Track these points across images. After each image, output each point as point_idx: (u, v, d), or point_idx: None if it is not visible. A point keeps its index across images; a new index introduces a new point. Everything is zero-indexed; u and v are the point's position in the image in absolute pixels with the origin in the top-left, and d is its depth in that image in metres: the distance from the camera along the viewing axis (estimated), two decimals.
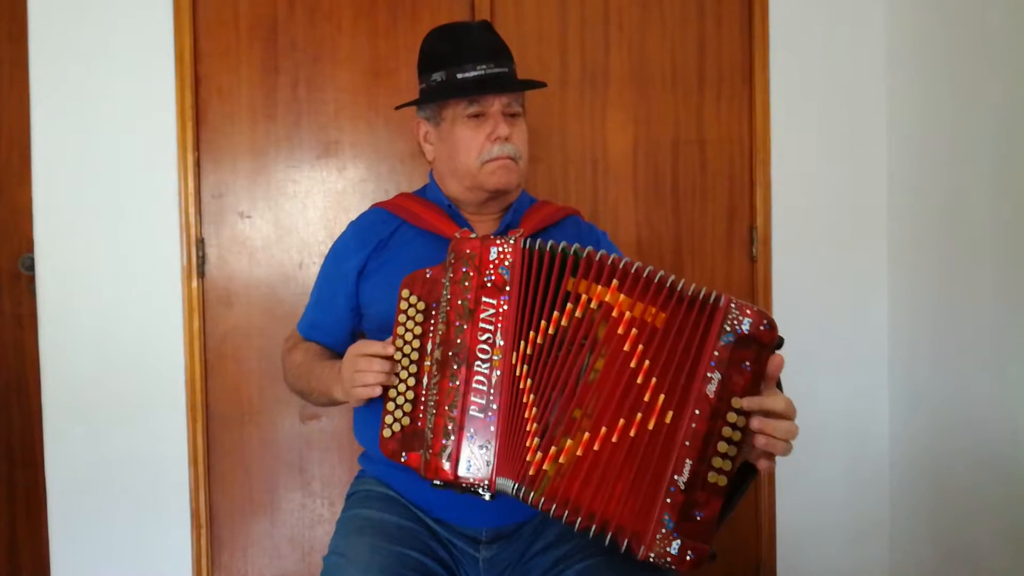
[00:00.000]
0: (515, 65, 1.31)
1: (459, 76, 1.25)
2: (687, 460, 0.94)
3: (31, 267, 1.88)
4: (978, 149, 1.69)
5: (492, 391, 1.02)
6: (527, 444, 1.00)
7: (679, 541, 0.93)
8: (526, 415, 1.00)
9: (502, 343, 1.03)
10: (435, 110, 1.30)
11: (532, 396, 1.01)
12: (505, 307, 1.04)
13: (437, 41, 1.31)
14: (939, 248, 1.83)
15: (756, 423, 0.93)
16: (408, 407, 1.07)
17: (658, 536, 0.94)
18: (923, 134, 1.89)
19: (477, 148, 1.25)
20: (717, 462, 0.94)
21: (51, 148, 1.83)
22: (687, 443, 0.94)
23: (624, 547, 0.96)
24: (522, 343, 1.02)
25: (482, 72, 1.24)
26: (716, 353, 0.95)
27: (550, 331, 1.02)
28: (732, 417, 0.94)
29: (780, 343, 0.95)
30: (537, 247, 1.06)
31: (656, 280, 0.99)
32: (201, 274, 1.88)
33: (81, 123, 1.83)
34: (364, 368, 1.09)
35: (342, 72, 1.90)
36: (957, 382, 1.77)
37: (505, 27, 1.91)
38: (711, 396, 0.94)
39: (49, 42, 1.82)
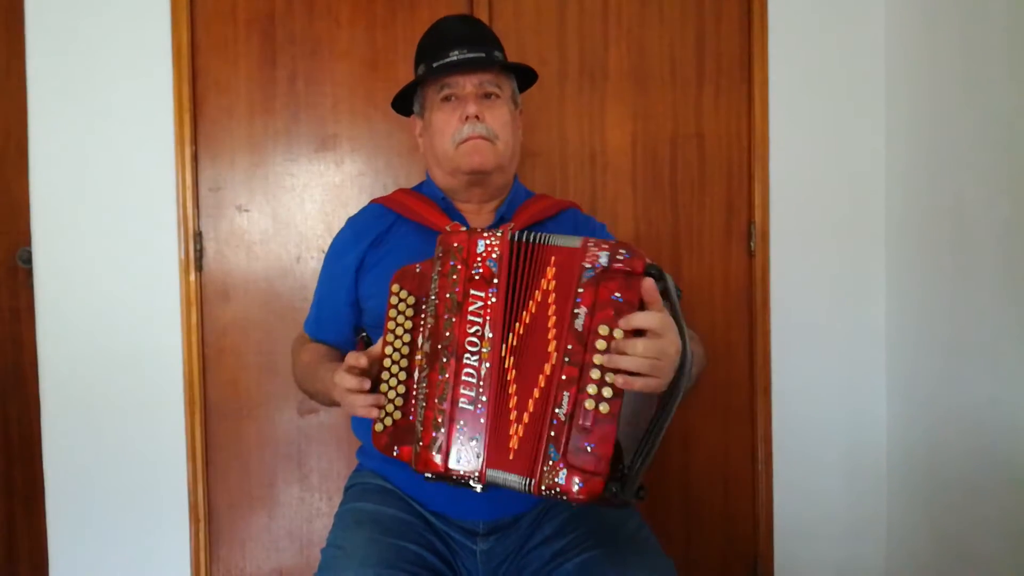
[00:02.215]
0: (502, 52, 1.32)
1: (434, 65, 1.28)
2: (565, 393, 0.97)
3: (28, 260, 1.87)
4: (976, 145, 1.69)
5: (481, 383, 1.03)
6: (509, 432, 1.00)
7: (565, 471, 0.95)
8: (510, 405, 1.01)
9: (491, 335, 1.04)
10: (421, 103, 1.34)
11: (515, 386, 1.02)
12: (493, 299, 1.04)
13: (422, 38, 1.34)
14: (937, 243, 1.83)
15: (613, 344, 0.95)
16: (399, 401, 1.08)
17: (545, 468, 0.96)
18: (921, 129, 1.89)
19: (451, 130, 1.26)
20: (592, 389, 0.96)
21: (49, 141, 1.83)
22: (563, 377, 0.98)
23: (524, 487, 0.98)
24: (510, 335, 1.03)
25: (455, 57, 1.26)
26: (581, 290, 0.99)
27: (528, 320, 1.03)
28: (601, 345, 0.96)
29: (652, 271, 0.98)
30: (524, 239, 1.06)
31: (564, 245, 1.03)
32: (199, 268, 1.87)
33: (79, 116, 1.83)
34: (349, 387, 1.08)
35: (340, 66, 1.90)
36: (954, 377, 1.77)
37: (503, 21, 1.91)
38: (579, 330, 0.98)
39: (47, 34, 1.82)
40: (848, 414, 2.04)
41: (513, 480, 1.00)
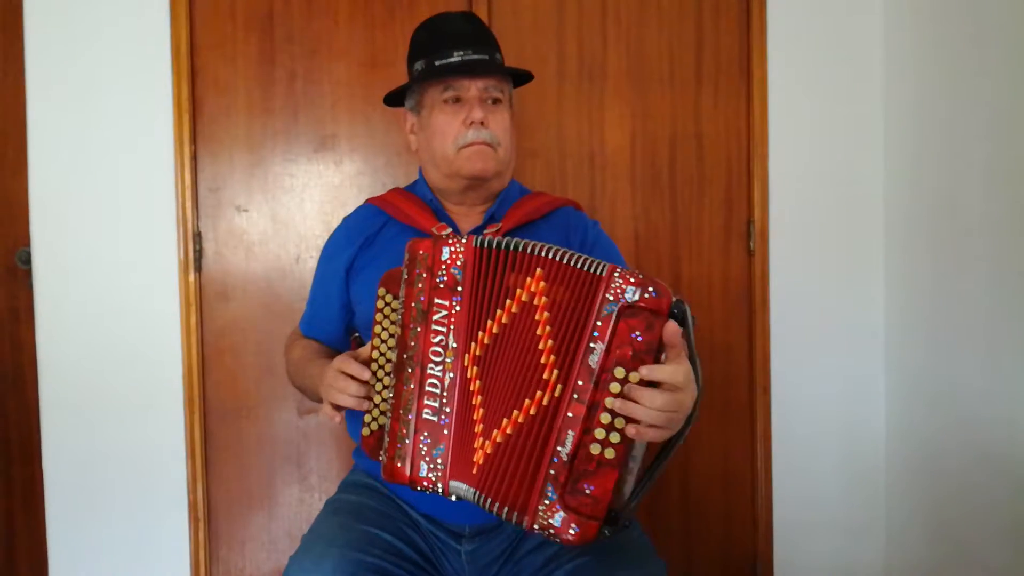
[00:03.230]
0: (500, 54, 1.31)
1: (436, 63, 1.24)
2: (569, 431, 0.93)
3: (27, 261, 1.87)
4: (973, 143, 1.69)
5: (445, 394, 1.01)
6: (474, 446, 0.99)
7: (562, 513, 0.92)
8: (475, 417, 1.00)
9: (455, 345, 1.01)
10: (417, 99, 1.31)
11: (480, 398, 1.00)
12: (458, 308, 1.02)
13: (420, 31, 1.31)
14: (935, 241, 1.83)
15: (627, 389, 0.90)
16: (384, 406, 1.07)
17: (540, 508, 0.94)
18: (919, 128, 1.89)
19: (453, 133, 1.24)
20: (600, 433, 0.91)
21: (47, 141, 1.82)
22: (570, 414, 0.93)
23: (514, 519, 0.95)
24: (472, 344, 1.01)
25: (459, 58, 1.23)
26: (599, 324, 0.92)
27: (495, 331, 1.00)
28: (615, 388, 0.91)
29: (678, 312, 0.91)
30: (492, 246, 1.02)
31: (565, 261, 0.97)
32: (198, 268, 1.87)
33: (77, 116, 1.83)
34: (341, 388, 1.09)
35: (339, 65, 1.90)
36: (953, 375, 1.77)
37: (502, 20, 1.91)
38: (593, 367, 0.92)
39: (45, 34, 1.81)
40: (847, 413, 2.04)
41: (470, 493, 0.99)
